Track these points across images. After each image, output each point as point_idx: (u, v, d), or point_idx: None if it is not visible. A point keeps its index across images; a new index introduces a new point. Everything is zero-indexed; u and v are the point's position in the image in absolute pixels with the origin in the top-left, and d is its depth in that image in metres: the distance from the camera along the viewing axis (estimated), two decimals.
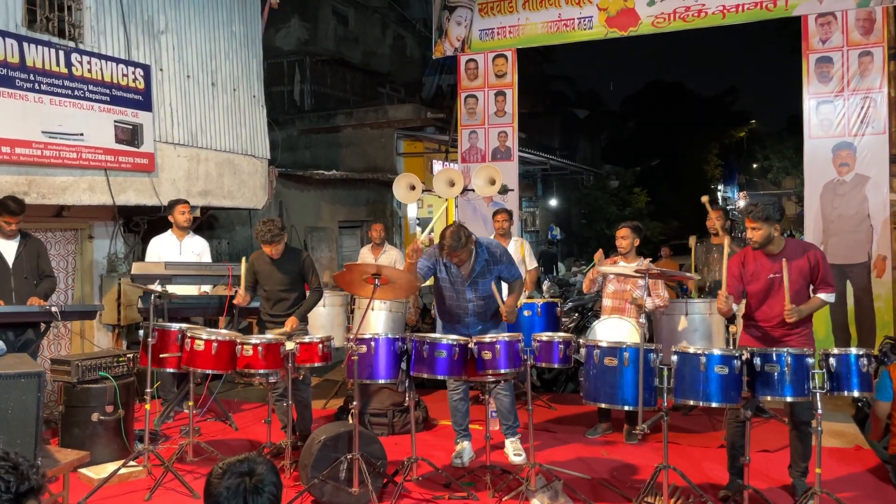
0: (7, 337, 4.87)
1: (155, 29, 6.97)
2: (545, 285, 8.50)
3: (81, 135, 6.14)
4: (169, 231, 6.40)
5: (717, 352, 3.82)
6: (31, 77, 5.75)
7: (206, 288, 6.26)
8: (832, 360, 3.79)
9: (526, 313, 5.99)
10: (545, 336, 4.35)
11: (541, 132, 22.76)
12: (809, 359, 3.75)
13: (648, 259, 5.30)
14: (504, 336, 4.28)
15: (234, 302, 5.37)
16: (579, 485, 4.42)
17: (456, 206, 9.25)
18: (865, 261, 7.03)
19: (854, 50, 7.15)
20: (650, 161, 30.33)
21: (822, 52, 7.28)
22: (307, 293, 5.45)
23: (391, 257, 7.54)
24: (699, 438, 5.47)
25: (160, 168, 6.95)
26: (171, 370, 4.83)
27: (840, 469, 4.71)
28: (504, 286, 5.01)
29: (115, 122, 6.45)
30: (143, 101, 6.72)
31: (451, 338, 4.32)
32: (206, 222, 8.69)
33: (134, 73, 6.64)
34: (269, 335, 4.83)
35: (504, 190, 8.46)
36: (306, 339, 4.70)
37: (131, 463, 4.65)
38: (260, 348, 4.52)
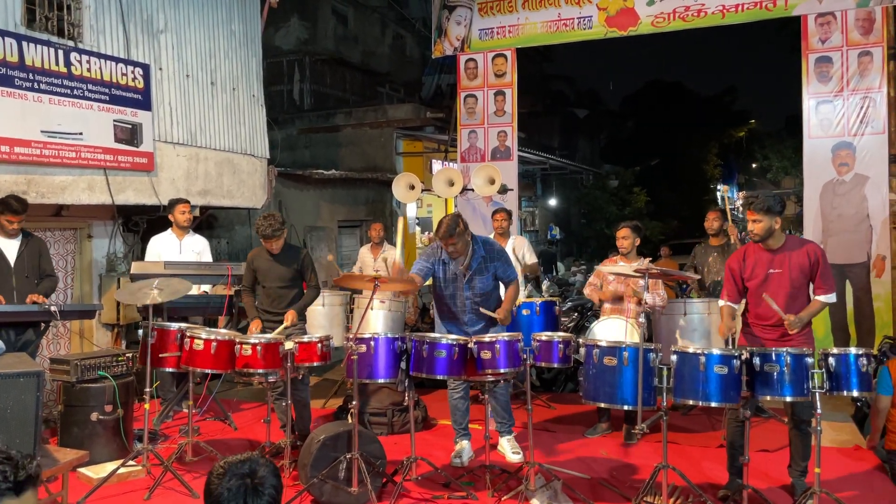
0: (8, 336, 4.87)
1: (154, 28, 6.96)
2: (544, 285, 8.49)
3: (80, 134, 6.14)
4: (169, 230, 6.40)
5: (716, 351, 3.81)
6: (31, 76, 5.75)
7: (206, 287, 6.26)
8: (831, 360, 3.80)
9: (525, 312, 5.99)
10: (545, 335, 4.34)
11: (540, 132, 22.76)
12: (809, 358, 3.75)
13: (648, 259, 5.30)
14: (504, 335, 4.27)
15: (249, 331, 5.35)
16: (579, 484, 4.42)
17: (455, 206, 9.25)
18: (865, 261, 7.04)
19: (853, 50, 7.15)
20: (649, 161, 30.28)
21: (821, 52, 7.29)
22: (305, 291, 5.44)
23: (390, 257, 7.54)
24: (698, 438, 5.46)
25: (159, 167, 6.94)
26: (171, 370, 4.82)
27: (839, 469, 4.70)
28: (502, 288, 5.00)
29: (115, 121, 6.44)
30: (143, 101, 6.72)
31: (451, 337, 4.32)
32: (206, 222, 8.68)
33: (133, 72, 6.64)
34: (269, 335, 4.83)
35: (503, 189, 8.47)
36: (305, 339, 4.70)
37: (130, 462, 4.65)
38: (259, 348, 4.52)
